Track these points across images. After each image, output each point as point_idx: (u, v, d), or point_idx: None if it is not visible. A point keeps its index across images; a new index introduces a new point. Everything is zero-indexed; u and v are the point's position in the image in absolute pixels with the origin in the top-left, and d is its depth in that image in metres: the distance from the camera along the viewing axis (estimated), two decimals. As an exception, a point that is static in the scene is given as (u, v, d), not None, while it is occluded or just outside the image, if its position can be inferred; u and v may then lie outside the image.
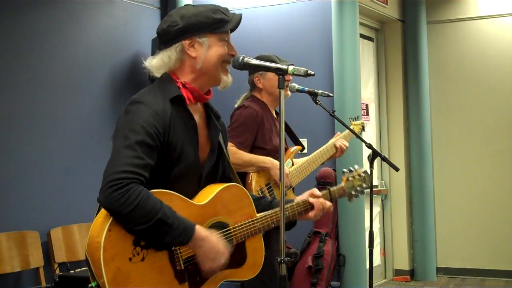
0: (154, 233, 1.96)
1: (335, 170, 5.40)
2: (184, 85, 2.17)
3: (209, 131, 2.26)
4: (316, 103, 3.48)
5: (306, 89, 3.45)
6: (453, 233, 6.61)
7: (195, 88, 2.19)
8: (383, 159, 3.75)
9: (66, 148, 4.74)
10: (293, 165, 3.57)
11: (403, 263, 6.48)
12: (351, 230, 5.30)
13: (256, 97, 3.60)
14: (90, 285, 1.98)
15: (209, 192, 2.18)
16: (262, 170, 3.39)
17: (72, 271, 4.14)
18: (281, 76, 2.25)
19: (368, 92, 6.36)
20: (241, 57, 2.36)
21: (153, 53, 5.80)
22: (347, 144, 3.76)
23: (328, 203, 2.39)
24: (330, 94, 3.72)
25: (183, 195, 2.10)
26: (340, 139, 3.76)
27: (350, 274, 5.28)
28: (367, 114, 6.33)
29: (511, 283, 6.26)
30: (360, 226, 5.32)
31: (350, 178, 2.51)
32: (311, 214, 2.37)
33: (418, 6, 6.51)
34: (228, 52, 2.26)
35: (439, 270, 6.60)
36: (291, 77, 3.46)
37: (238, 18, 2.28)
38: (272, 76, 3.53)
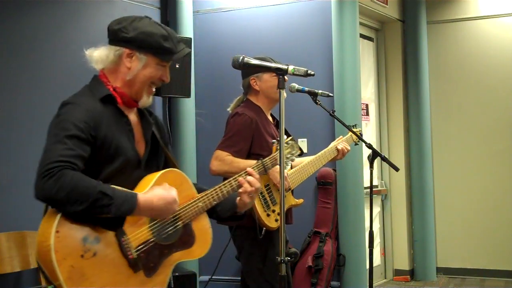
0: (98, 208, 2.01)
1: (335, 170, 5.40)
2: (114, 89, 2.26)
3: (143, 127, 2.34)
4: (316, 103, 3.47)
5: (306, 89, 3.44)
6: (453, 233, 6.61)
7: (125, 93, 2.27)
8: (383, 159, 3.75)
9: (66, 148, 4.73)
10: (291, 168, 3.55)
11: (403, 263, 6.48)
12: (351, 230, 5.30)
13: (251, 101, 3.55)
14: None
15: (148, 181, 2.24)
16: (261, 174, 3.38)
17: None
18: (281, 76, 2.25)
19: (368, 92, 6.36)
20: (241, 57, 2.36)
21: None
22: (349, 148, 3.75)
23: (253, 180, 2.40)
24: (330, 94, 3.71)
25: (125, 186, 2.16)
26: (342, 142, 3.74)
27: (350, 274, 5.28)
28: (367, 114, 6.33)
29: (511, 283, 6.26)
30: (360, 226, 5.32)
31: (279, 148, 2.55)
32: (244, 197, 2.40)
33: (418, 6, 6.51)
34: (161, 76, 2.31)
35: (439, 270, 6.60)
36: (287, 78, 3.46)
37: (184, 54, 2.35)
38: (268, 77, 3.49)
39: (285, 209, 3.43)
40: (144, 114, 2.37)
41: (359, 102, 5.43)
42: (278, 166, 3.34)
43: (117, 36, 2.24)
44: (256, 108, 3.52)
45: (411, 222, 6.50)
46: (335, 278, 5.37)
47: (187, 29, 5.65)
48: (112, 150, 2.16)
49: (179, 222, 2.26)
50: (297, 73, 2.34)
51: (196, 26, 5.78)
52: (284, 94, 3.49)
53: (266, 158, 2.49)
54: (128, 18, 2.28)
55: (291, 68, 2.36)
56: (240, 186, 2.38)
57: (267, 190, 3.36)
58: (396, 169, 3.80)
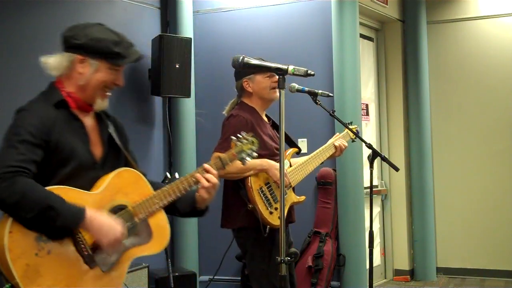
0: (45, 219, 2.08)
1: (335, 170, 5.40)
2: (69, 94, 2.34)
3: (100, 130, 2.43)
4: (316, 103, 3.48)
5: (306, 89, 3.44)
6: (453, 233, 6.61)
7: (79, 98, 2.35)
8: (383, 159, 3.75)
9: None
10: (290, 166, 3.56)
11: (403, 263, 6.48)
12: (351, 230, 5.30)
13: (245, 103, 3.57)
14: (5, 287, 2.10)
15: (103, 181, 2.31)
16: (261, 172, 3.39)
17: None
18: (281, 76, 2.25)
19: (368, 92, 6.36)
20: (241, 57, 2.36)
21: (153, 54, 5.77)
22: (346, 144, 3.76)
23: (210, 176, 2.43)
24: (330, 94, 3.72)
25: (82, 188, 2.23)
26: (339, 139, 3.76)
27: (350, 274, 5.28)
28: (367, 114, 6.33)
29: (511, 283, 6.26)
30: (360, 226, 5.32)
31: (238, 143, 2.58)
32: (202, 192, 2.45)
33: (418, 6, 6.51)
34: (114, 81, 2.39)
35: (439, 270, 6.60)
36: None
37: (135, 58, 2.41)
38: (260, 79, 3.51)
39: (287, 207, 3.45)
40: (102, 117, 2.45)
41: (359, 102, 5.43)
42: (276, 164, 3.36)
43: (69, 43, 2.33)
44: (250, 109, 3.53)
45: (411, 222, 6.50)
46: (335, 278, 5.37)
47: (187, 29, 5.65)
48: (66, 154, 2.23)
49: (135, 219, 2.32)
50: (297, 73, 2.34)
51: (196, 26, 5.78)
52: (277, 95, 3.52)
53: (224, 154, 2.51)
54: (79, 25, 2.36)
55: (291, 68, 2.36)
56: (197, 182, 2.42)
57: (268, 188, 3.37)
58: (396, 169, 3.80)
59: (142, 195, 2.36)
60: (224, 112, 3.62)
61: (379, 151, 3.81)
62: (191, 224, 5.60)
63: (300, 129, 5.30)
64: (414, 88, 6.51)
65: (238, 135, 2.57)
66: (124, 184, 2.33)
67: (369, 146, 3.69)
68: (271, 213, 3.32)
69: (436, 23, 6.70)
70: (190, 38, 5.41)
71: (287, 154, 3.59)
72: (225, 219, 3.52)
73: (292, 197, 3.50)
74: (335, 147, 3.70)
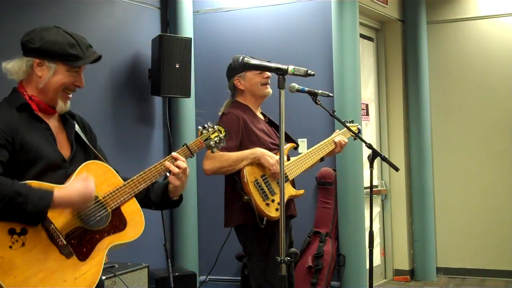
0: (14, 207, 2.10)
1: (335, 170, 5.40)
2: (31, 98, 2.37)
3: (66, 131, 2.46)
4: (316, 103, 3.48)
5: (306, 89, 3.45)
6: (453, 233, 6.61)
7: (41, 101, 2.38)
8: (383, 159, 3.75)
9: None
10: (288, 159, 3.58)
11: (403, 263, 6.48)
12: (351, 230, 5.30)
13: (238, 101, 3.61)
14: None
15: (72, 175, 2.35)
16: (254, 162, 3.40)
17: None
18: (281, 76, 2.26)
19: (368, 92, 6.36)
20: (241, 57, 2.37)
21: (153, 54, 5.76)
22: (346, 140, 3.77)
23: (180, 161, 2.46)
24: (330, 94, 3.72)
25: None
26: (339, 135, 3.77)
27: (350, 274, 5.28)
28: (367, 114, 6.33)
29: (511, 283, 6.26)
30: (360, 226, 5.32)
31: (204, 132, 2.59)
32: (172, 179, 2.47)
33: (418, 6, 6.51)
34: (74, 82, 2.42)
35: (439, 270, 6.60)
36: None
37: (93, 59, 2.44)
38: (251, 75, 3.56)
39: (285, 200, 3.46)
40: (66, 118, 2.48)
41: (359, 102, 5.43)
42: (268, 152, 3.37)
43: (26, 47, 2.37)
44: (243, 107, 3.58)
45: (411, 222, 6.50)
46: (335, 278, 5.37)
47: (187, 29, 5.65)
48: (33, 154, 2.27)
49: (107, 208, 2.35)
50: (297, 73, 2.34)
51: (196, 26, 5.78)
52: (270, 90, 3.54)
53: (191, 142, 2.53)
54: (36, 29, 2.39)
55: (291, 68, 2.36)
56: (166, 169, 2.45)
57: (263, 180, 3.40)
58: (396, 169, 3.80)
59: (112, 185, 2.39)
60: (219, 113, 3.65)
61: (379, 151, 3.81)
62: (191, 224, 5.60)
63: (300, 129, 5.30)
64: (414, 88, 6.51)
65: (205, 125, 2.59)
66: (93, 176, 2.34)
67: (369, 146, 3.69)
68: (267, 204, 3.33)
69: (436, 23, 6.70)
70: (190, 38, 5.41)
71: (284, 148, 3.60)
72: (225, 218, 3.55)
73: (290, 190, 3.51)
74: (335, 143, 3.71)
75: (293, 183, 3.58)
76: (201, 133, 2.57)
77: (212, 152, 2.60)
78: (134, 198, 2.43)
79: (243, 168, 3.37)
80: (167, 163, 2.45)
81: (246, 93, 3.60)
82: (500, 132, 6.46)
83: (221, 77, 5.50)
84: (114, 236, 2.35)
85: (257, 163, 3.41)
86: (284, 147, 3.59)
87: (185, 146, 2.52)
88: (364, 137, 3.88)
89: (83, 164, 2.37)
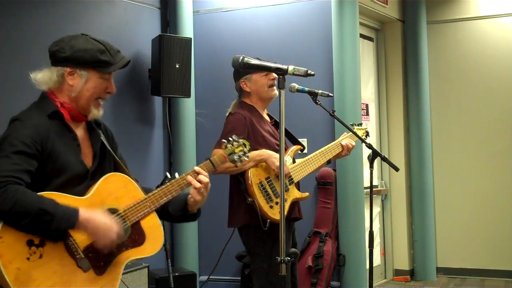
0: (40, 223, 2.09)
1: (335, 170, 5.40)
2: (62, 105, 2.36)
3: (91, 140, 2.44)
4: (316, 103, 3.48)
5: (306, 89, 3.45)
6: (453, 233, 6.61)
7: (73, 109, 2.37)
8: (383, 159, 3.75)
9: (66, 148, 4.73)
10: (294, 162, 3.58)
11: (403, 263, 6.48)
12: (351, 230, 5.29)
13: (245, 102, 3.62)
14: None
15: (93, 187, 2.34)
16: (260, 163, 3.41)
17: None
18: (281, 76, 2.26)
19: (368, 92, 6.36)
20: (241, 57, 2.37)
21: (153, 54, 5.76)
22: (353, 143, 3.77)
23: (202, 176, 2.44)
24: (330, 94, 3.72)
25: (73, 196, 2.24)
26: (346, 138, 3.76)
27: (350, 274, 5.27)
28: (367, 114, 6.33)
29: (511, 283, 6.26)
30: (360, 226, 5.32)
31: (229, 146, 2.59)
32: (193, 193, 2.45)
33: (418, 6, 6.50)
34: (106, 89, 2.41)
35: (439, 270, 6.60)
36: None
37: (123, 64, 2.43)
38: (257, 77, 3.56)
39: (289, 202, 3.45)
40: (93, 127, 2.46)
41: (359, 102, 5.43)
42: (275, 153, 3.37)
43: (56, 57, 2.37)
44: (249, 107, 3.58)
45: (411, 222, 6.50)
46: (335, 278, 5.36)
47: (187, 29, 5.65)
48: (59, 165, 2.25)
49: (127, 222, 2.32)
50: (297, 73, 2.34)
51: (196, 26, 5.78)
52: (276, 92, 3.54)
53: (215, 156, 2.52)
54: (64, 38, 2.40)
55: (291, 68, 2.36)
56: (188, 184, 2.43)
57: (268, 182, 3.39)
58: (396, 169, 3.80)
59: (133, 198, 2.36)
60: (226, 114, 3.65)
61: (379, 151, 3.81)
62: (191, 224, 5.60)
63: (300, 129, 5.29)
64: (414, 88, 6.51)
65: (229, 138, 2.58)
66: (114, 188, 2.34)
67: (369, 146, 3.69)
68: (271, 207, 3.33)
69: (436, 23, 6.70)
70: (190, 38, 5.41)
71: (290, 151, 3.60)
72: (229, 218, 3.55)
73: (295, 193, 3.51)
74: (342, 146, 3.71)
75: (297, 185, 3.57)
76: (225, 147, 2.56)
77: (236, 166, 2.58)
78: (155, 212, 2.40)
79: (247, 169, 3.37)
80: (189, 178, 2.42)
81: (253, 95, 3.60)
82: (500, 132, 6.46)
83: (221, 77, 5.51)
84: (132, 250, 2.33)
85: (262, 165, 3.40)
86: (290, 149, 3.60)
87: (208, 161, 2.50)
88: (367, 140, 3.87)
89: (105, 176, 2.35)
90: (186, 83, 5.31)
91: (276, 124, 3.68)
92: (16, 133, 2.21)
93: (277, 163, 3.35)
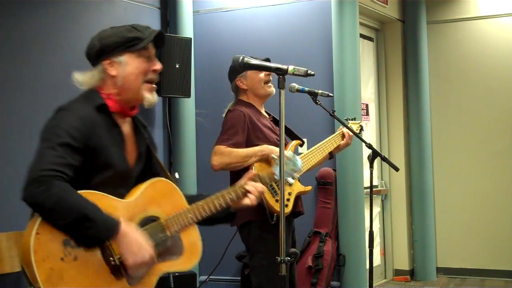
0: (78, 227, 2.00)
1: (335, 170, 5.40)
2: (109, 97, 2.27)
3: (136, 139, 2.36)
4: (316, 103, 3.48)
5: (306, 89, 3.45)
6: (453, 233, 6.61)
7: (120, 102, 2.28)
8: (383, 159, 3.75)
9: (66, 148, 4.73)
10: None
11: (403, 263, 6.48)
12: (351, 230, 5.29)
13: (242, 100, 3.63)
14: None
15: (137, 190, 2.24)
16: (263, 158, 3.41)
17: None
18: (281, 76, 2.26)
19: (368, 92, 6.36)
20: (241, 57, 2.37)
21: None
22: (351, 133, 3.78)
23: (260, 185, 2.43)
24: (330, 94, 3.72)
25: (115, 197, 2.15)
26: (344, 129, 3.78)
27: (350, 274, 5.27)
28: (367, 114, 6.33)
29: (511, 283, 6.26)
30: (360, 226, 5.32)
31: (278, 162, 2.56)
32: (247, 201, 2.40)
33: (418, 6, 6.51)
34: (149, 68, 2.33)
35: (439, 270, 6.60)
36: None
37: (154, 35, 2.31)
38: (252, 74, 3.57)
39: (294, 196, 3.45)
40: (138, 127, 2.39)
41: (359, 102, 5.43)
42: (277, 148, 3.37)
43: (91, 55, 2.31)
44: (248, 105, 3.60)
45: (411, 222, 6.50)
46: (335, 278, 5.36)
47: (187, 29, 5.65)
48: (102, 160, 2.17)
49: (167, 232, 2.24)
50: (297, 73, 2.34)
51: (196, 26, 5.78)
52: (273, 89, 3.54)
53: (264, 172, 2.51)
54: (92, 37, 2.35)
55: (291, 68, 2.36)
56: (232, 200, 2.37)
57: None
58: (396, 169, 3.80)
59: (176, 207, 2.27)
60: (223, 114, 3.65)
61: (379, 151, 3.81)
62: (191, 224, 5.59)
63: (300, 129, 5.25)
64: (414, 88, 6.51)
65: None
66: (158, 195, 2.25)
67: (369, 146, 3.69)
68: (277, 200, 3.33)
69: (436, 23, 6.70)
70: (190, 38, 5.41)
71: (289, 146, 3.61)
72: None
73: (298, 187, 3.51)
74: (343, 133, 3.72)
75: (298, 180, 3.58)
76: (276, 163, 2.56)
77: (289, 184, 2.54)
78: (196, 226, 2.33)
79: (251, 164, 3.38)
80: (238, 193, 2.38)
81: (249, 92, 3.61)
82: (500, 132, 6.46)
83: (221, 77, 5.52)
84: (168, 263, 2.23)
85: (266, 160, 3.41)
86: (290, 145, 3.61)
87: (257, 175, 2.47)
88: (364, 137, 3.88)
89: (151, 181, 2.27)
90: (186, 83, 5.31)
91: (275, 121, 3.69)
92: (63, 123, 2.11)
93: (274, 150, 3.36)
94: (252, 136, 3.48)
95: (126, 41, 2.26)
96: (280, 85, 2.26)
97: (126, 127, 2.32)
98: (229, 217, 2.49)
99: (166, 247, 2.22)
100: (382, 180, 6.53)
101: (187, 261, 2.28)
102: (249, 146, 3.45)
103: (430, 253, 6.46)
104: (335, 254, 5.32)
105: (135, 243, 2.08)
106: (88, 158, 2.13)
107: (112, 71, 2.26)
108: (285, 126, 3.74)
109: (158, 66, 2.36)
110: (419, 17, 6.51)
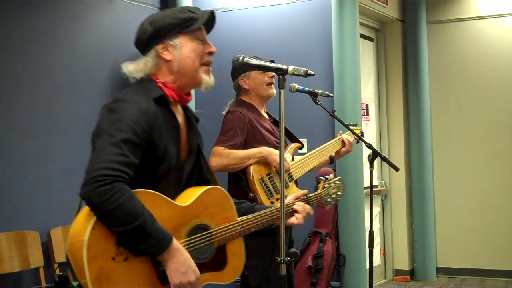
0: (131, 237, 1.94)
1: (335, 170, 5.39)
2: (164, 85, 2.17)
3: (188, 133, 2.27)
4: (316, 103, 3.48)
5: (306, 89, 3.45)
6: (453, 233, 6.61)
7: (176, 88, 2.19)
8: (383, 159, 3.75)
9: (66, 148, 4.74)
10: (293, 159, 3.58)
11: (403, 263, 6.48)
12: (351, 230, 5.30)
13: (243, 100, 3.62)
14: (70, 285, 1.96)
15: (191, 194, 2.17)
16: (261, 160, 3.42)
17: (72, 271, 4.12)
18: (281, 76, 2.25)
19: (368, 92, 6.36)
20: (241, 57, 2.36)
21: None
22: (352, 140, 3.78)
23: (308, 207, 2.43)
24: (330, 94, 3.72)
25: (165, 194, 2.08)
26: (345, 134, 3.78)
27: (350, 274, 5.28)
28: (367, 114, 6.33)
29: (511, 283, 6.26)
30: (360, 226, 5.32)
31: (326, 185, 2.58)
32: (294, 220, 2.40)
33: (418, 6, 6.51)
34: (205, 50, 2.23)
35: (439, 270, 6.60)
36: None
37: (208, 15, 2.21)
38: (255, 74, 3.56)
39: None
40: (191, 120, 2.30)
41: (359, 102, 5.44)
42: (275, 150, 3.37)
43: (142, 41, 2.21)
44: (248, 105, 3.59)
45: (411, 222, 6.50)
46: (335, 278, 5.37)
47: (187, 29, 5.64)
48: (159, 155, 2.09)
49: (214, 242, 2.18)
50: (297, 73, 2.34)
51: (196, 26, 5.78)
52: (274, 91, 3.54)
53: (312, 194, 2.53)
54: (141, 23, 2.24)
55: (291, 68, 2.35)
56: (274, 220, 2.35)
57: (269, 178, 3.41)
58: (396, 169, 3.80)
59: (226, 218, 2.22)
60: (223, 112, 3.64)
61: (379, 151, 3.81)
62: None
63: (300, 129, 5.28)
64: (414, 88, 6.51)
65: (327, 176, 2.56)
66: (212, 204, 2.20)
67: (369, 146, 3.69)
68: (272, 202, 3.34)
69: (436, 23, 6.71)
70: (190, 38, 5.40)
71: (289, 148, 3.61)
72: None
73: (294, 190, 3.52)
74: (343, 140, 3.72)
75: (295, 183, 3.58)
76: (323, 187, 2.54)
77: (326, 208, 2.59)
78: (241, 239, 2.27)
79: (249, 166, 3.38)
80: (297, 207, 2.38)
81: (251, 92, 3.61)
82: (500, 132, 6.46)
83: (221, 77, 5.49)
84: (211, 274, 2.18)
85: (263, 162, 3.42)
86: (290, 147, 3.61)
87: (305, 197, 2.46)
88: (364, 137, 3.88)
89: (207, 188, 2.20)
90: (186, 83, 5.30)
91: (275, 122, 3.69)
92: (125, 117, 2.00)
93: (278, 160, 3.36)
94: (251, 138, 3.48)
95: (180, 22, 2.16)
96: (280, 85, 2.25)
97: (179, 118, 2.22)
98: (268, 233, 2.43)
99: (212, 258, 2.17)
100: (382, 180, 6.54)
101: (229, 274, 2.23)
102: (248, 148, 3.45)
103: (430, 253, 6.46)
104: (335, 254, 5.32)
105: (184, 263, 2.02)
106: (147, 154, 2.05)
107: (167, 56, 2.17)
108: (285, 128, 3.76)
109: (213, 48, 2.25)
110: (419, 17, 6.52)
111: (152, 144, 2.06)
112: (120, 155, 1.94)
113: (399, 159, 6.41)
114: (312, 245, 5.35)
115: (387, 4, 6.26)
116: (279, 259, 2.16)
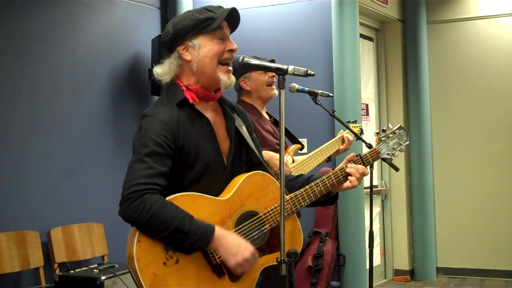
0: (173, 240, 2.02)
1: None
2: (187, 88, 2.23)
3: (226, 123, 2.31)
4: (316, 103, 3.48)
5: (306, 89, 3.44)
6: (453, 233, 6.61)
7: (199, 89, 2.24)
8: (383, 159, 3.75)
9: (66, 148, 4.74)
10: (293, 162, 3.58)
11: (403, 263, 6.49)
12: (351, 230, 5.30)
13: (244, 101, 3.61)
14: None
15: (233, 185, 2.21)
16: None
17: (72, 271, 4.13)
18: (281, 76, 2.25)
19: (368, 92, 6.37)
20: (241, 57, 2.36)
21: (153, 54, 5.77)
22: (351, 138, 3.78)
23: (362, 167, 2.35)
24: (330, 94, 3.71)
25: (210, 192, 2.14)
26: (346, 133, 3.78)
27: (350, 274, 5.28)
28: (367, 114, 6.33)
29: (511, 283, 6.26)
30: (360, 226, 5.32)
31: (383, 138, 2.46)
32: (348, 184, 2.33)
33: (418, 6, 6.51)
34: (225, 49, 2.29)
35: (439, 270, 6.60)
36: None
37: (227, 13, 2.27)
38: (256, 75, 3.57)
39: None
40: (226, 110, 2.33)
41: (359, 102, 5.44)
42: (276, 154, 3.36)
43: (166, 43, 2.27)
44: (249, 107, 3.58)
45: (411, 222, 6.50)
46: (335, 278, 5.37)
47: (187, 29, 5.65)
48: (192, 156, 2.15)
49: (266, 225, 2.22)
50: (297, 73, 2.34)
51: (196, 26, 5.78)
52: (275, 92, 3.54)
53: (366, 152, 2.43)
54: (167, 24, 2.29)
55: (291, 68, 2.35)
56: (333, 185, 2.30)
57: None
58: (396, 169, 3.79)
59: (274, 199, 2.24)
60: None
61: (379, 151, 3.80)
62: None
63: (300, 129, 5.28)
64: (414, 88, 6.52)
65: (384, 128, 2.43)
66: (256, 189, 2.22)
67: (369, 146, 3.69)
68: None
69: (436, 23, 6.71)
70: (190, 38, 5.40)
71: (289, 150, 3.60)
72: None
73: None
74: (343, 138, 3.72)
75: None
76: (379, 140, 2.43)
77: (390, 161, 2.42)
78: (295, 215, 2.30)
79: None
80: (338, 177, 2.30)
81: (253, 93, 3.61)
82: (500, 132, 6.47)
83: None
84: (269, 256, 2.21)
85: None
86: (290, 149, 3.60)
87: (358, 159, 2.37)
88: (364, 137, 3.88)
89: (247, 174, 2.23)
90: (186, 83, 5.31)
91: (276, 123, 3.69)
92: (148, 132, 2.11)
93: (279, 165, 3.34)
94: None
95: (198, 23, 2.22)
96: (280, 85, 2.25)
97: (211, 113, 2.27)
98: (330, 200, 2.41)
99: (266, 241, 2.21)
100: (382, 180, 6.54)
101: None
102: None
103: (430, 253, 6.46)
104: (335, 254, 5.33)
105: (233, 244, 2.07)
106: (178, 159, 2.12)
107: (187, 56, 2.24)
108: (285, 129, 3.76)
109: (233, 45, 2.32)
110: (419, 17, 6.52)
111: (180, 149, 2.13)
112: (146, 169, 2.04)
113: (399, 159, 6.41)
114: (312, 245, 5.36)
115: (387, 4, 6.26)
116: (279, 259, 2.16)
